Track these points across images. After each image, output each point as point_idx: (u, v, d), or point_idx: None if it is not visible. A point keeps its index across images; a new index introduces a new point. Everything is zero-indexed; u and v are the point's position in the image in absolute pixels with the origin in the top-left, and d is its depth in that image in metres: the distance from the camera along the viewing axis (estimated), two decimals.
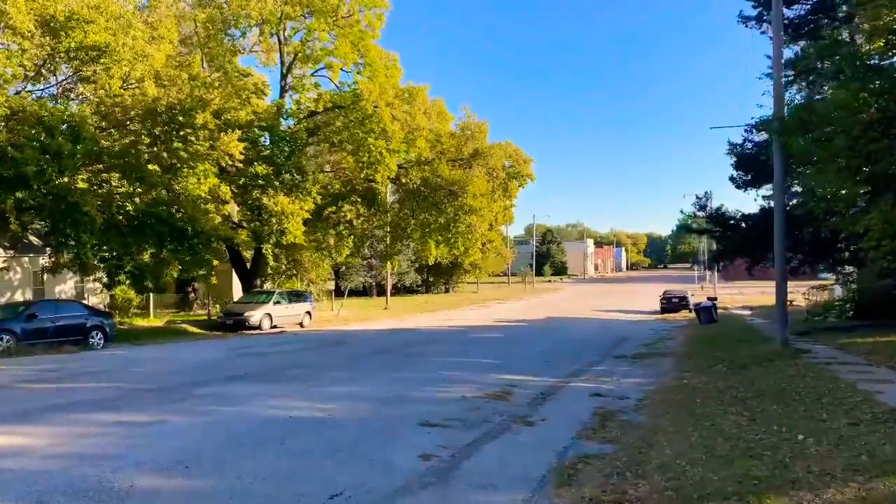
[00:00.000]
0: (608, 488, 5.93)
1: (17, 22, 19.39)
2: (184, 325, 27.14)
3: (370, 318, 35.23)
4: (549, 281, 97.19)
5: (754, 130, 21.21)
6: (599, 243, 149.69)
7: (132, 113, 22.95)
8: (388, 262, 39.27)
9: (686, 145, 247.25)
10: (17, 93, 21.62)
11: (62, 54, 21.45)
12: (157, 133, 23.20)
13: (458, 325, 30.68)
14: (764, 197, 22.87)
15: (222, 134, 24.29)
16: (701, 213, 21.79)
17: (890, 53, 14.16)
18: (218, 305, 32.85)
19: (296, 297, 30.98)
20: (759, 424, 7.85)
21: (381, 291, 53.79)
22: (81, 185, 21.47)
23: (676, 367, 15.64)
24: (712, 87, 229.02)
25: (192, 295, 36.77)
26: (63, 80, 23.74)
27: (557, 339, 24.27)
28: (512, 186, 37.96)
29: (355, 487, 6.06)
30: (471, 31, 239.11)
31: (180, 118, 23.01)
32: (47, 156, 19.17)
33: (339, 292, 45.02)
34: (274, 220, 26.83)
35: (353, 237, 33.91)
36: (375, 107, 28.41)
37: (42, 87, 23.64)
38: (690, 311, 36.27)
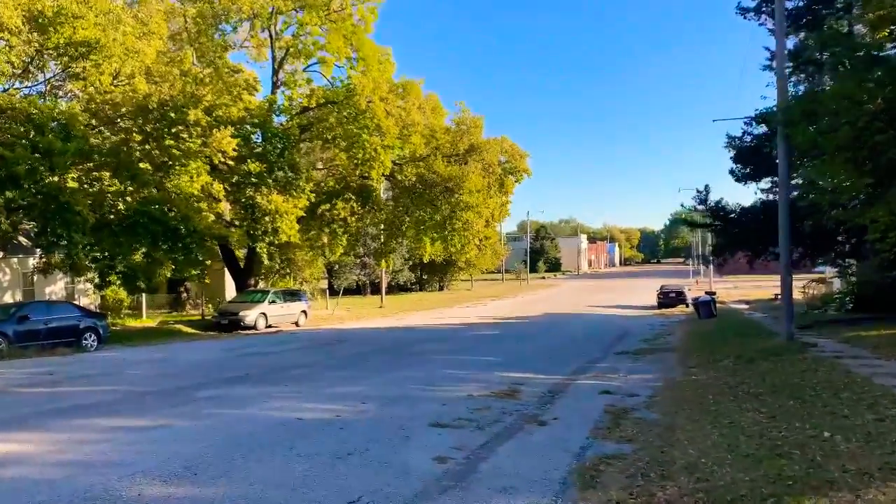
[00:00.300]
0: (634, 490, 5.72)
1: (5, 17, 19.02)
2: (178, 326, 26.80)
3: (366, 317, 34.96)
4: (544, 277, 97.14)
5: (754, 123, 21.08)
6: (593, 239, 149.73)
7: (123, 110, 22.61)
8: (384, 260, 38.95)
9: (678, 140, 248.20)
10: (6, 90, 21.24)
11: (50, 50, 21.08)
12: (148, 130, 22.87)
13: (455, 322, 30.47)
14: (763, 190, 22.81)
15: (215, 131, 23.95)
16: (701, 207, 21.66)
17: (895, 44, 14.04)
18: (211, 305, 32.49)
19: (291, 296, 30.67)
20: (780, 421, 7.67)
21: (375, 290, 53.52)
22: (72, 184, 21.09)
23: (681, 362, 15.49)
24: (705, 82, 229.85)
25: (185, 295, 36.38)
26: (51, 76, 23.34)
27: (557, 335, 24.10)
28: (508, 182, 37.73)
29: (372, 493, 5.83)
30: (463, 25, 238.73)
31: (172, 115, 22.68)
32: (38, 154, 18.82)
33: (332, 291, 44.73)
34: (267, 218, 26.49)
35: (347, 235, 33.58)
36: (369, 102, 28.09)
37: (30, 84, 23.21)
38: (688, 306, 36.25)
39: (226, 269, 33.32)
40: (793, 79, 21.04)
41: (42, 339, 18.92)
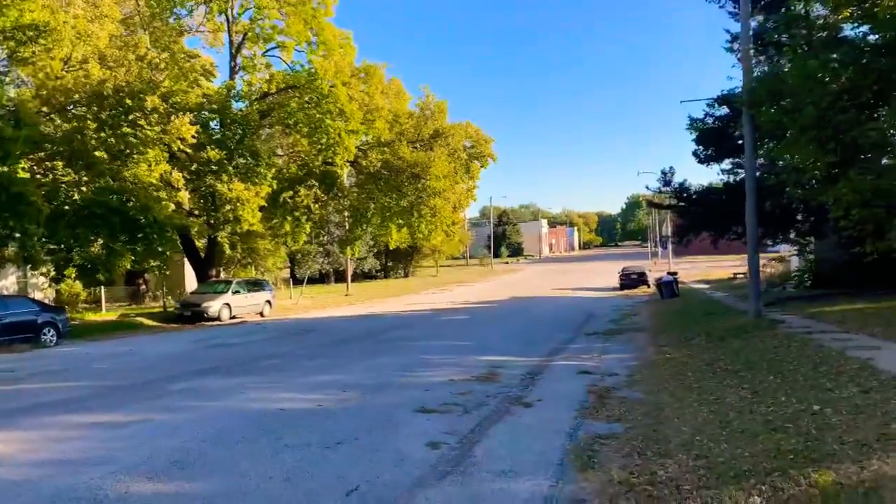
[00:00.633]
0: (634, 470, 5.72)
1: None
2: (139, 319, 26.03)
3: (332, 306, 34.57)
4: (507, 262, 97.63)
5: (716, 105, 21.34)
6: (553, 223, 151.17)
7: (76, 96, 21.76)
8: (349, 248, 38.47)
9: (636, 124, 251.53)
10: None
11: None
12: (103, 118, 22.04)
13: (424, 309, 30.35)
14: (724, 171, 23.12)
15: (173, 117, 23.22)
16: (666, 189, 21.89)
17: (856, 24, 14.32)
18: (171, 297, 31.70)
19: (255, 286, 30.10)
20: (765, 396, 7.78)
21: (340, 278, 53.01)
22: (23, 174, 20.20)
23: (652, 341, 15.70)
24: (663, 66, 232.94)
25: (144, 287, 35.41)
26: None
27: (526, 318, 24.20)
28: (474, 167, 37.55)
29: (370, 481, 5.71)
30: (421, 9, 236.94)
31: (128, 101, 21.92)
32: None
33: (295, 280, 44.15)
34: (228, 207, 25.86)
35: (310, 223, 33.03)
36: (332, 86, 27.56)
37: None
38: (649, 287, 36.84)
39: (186, 260, 32.52)
40: (753, 61, 21.37)
41: None
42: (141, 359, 15.48)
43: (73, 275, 23.27)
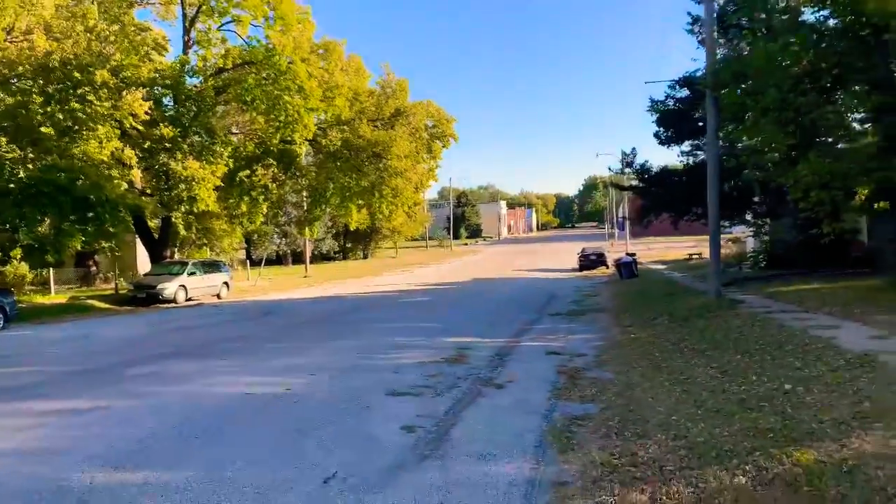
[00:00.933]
0: (615, 451, 5.69)
1: None
2: (91, 301, 25.15)
3: (291, 287, 34.06)
4: (466, 244, 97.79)
5: (678, 87, 21.54)
6: (511, 205, 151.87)
7: (20, 69, 20.68)
8: (308, 229, 37.83)
9: (594, 106, 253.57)
10: None
11: None
12: (50, 91, 21.03)
13: (385, 290, 30.12)
14: (684, 153, 23.41)
15: (124, 93, 22.31)
16: (628, 170, 22.06)
17: (816, 8, 14.51)
18: (123, 279, 30.72)
19: (211, 267, 29.36)
20: (734, 376, 7.86)
21: (297, 259, 52.25)
22: None
23: (616, 322, 15.84)
24: (624, 49, 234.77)
25: (94, 269, 34.26)
26: None
27: (489, 299, 24.20)
28: (436, 147, 37.21)
29: (347, 467, 5.57)
30: None
31: (77, 75, 20.97)
32: None
33: (251, 261, 43.32)
34: (183, 185, 25.08)
35: (267, 203, 32.31)
36: (290, 62, 26.85)
37: None
38: (608, 268, 37.29)
39: (138, 241, 31.50)
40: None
41: None
42: (97, 343, 14.93)
43: (20, 256, 22.32)
